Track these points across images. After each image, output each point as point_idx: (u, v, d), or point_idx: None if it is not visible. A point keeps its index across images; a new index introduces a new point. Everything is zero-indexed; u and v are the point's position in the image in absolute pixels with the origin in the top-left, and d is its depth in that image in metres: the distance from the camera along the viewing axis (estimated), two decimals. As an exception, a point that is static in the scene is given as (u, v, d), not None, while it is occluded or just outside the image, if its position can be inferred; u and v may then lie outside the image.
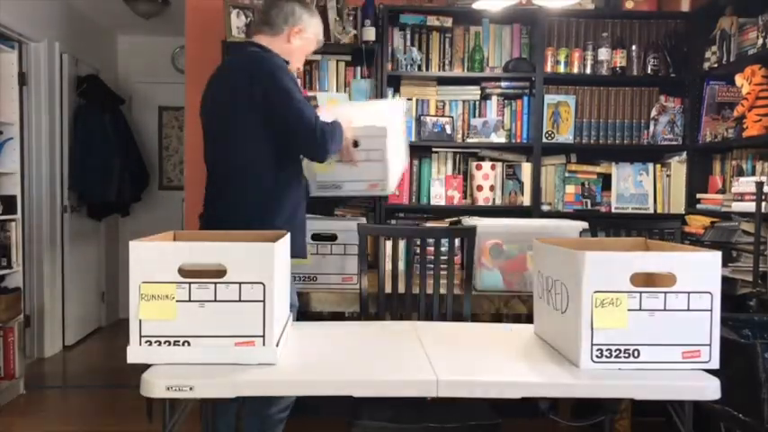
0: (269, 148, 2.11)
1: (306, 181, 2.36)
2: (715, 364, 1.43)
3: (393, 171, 2.37)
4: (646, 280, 1.57)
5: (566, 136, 3.42)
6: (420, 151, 3.47)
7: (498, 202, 3.42)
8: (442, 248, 2.40)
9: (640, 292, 1.42)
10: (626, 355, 1.43)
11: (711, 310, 1.43)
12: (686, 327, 1.43)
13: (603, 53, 3.39)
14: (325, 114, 2.19)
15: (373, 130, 2.36)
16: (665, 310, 1.43)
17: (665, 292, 1.42)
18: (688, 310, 1.43)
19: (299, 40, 2.25)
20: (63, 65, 4.47)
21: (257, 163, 2.12)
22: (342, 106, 2.45)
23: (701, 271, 1.43)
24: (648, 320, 1.43)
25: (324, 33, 3.38)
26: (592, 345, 1.42)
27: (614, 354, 1.43)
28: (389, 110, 2.47)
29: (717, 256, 1.43)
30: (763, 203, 2.58)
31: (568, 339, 1.50)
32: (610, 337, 1.42)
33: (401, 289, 2.36)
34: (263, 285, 1.41)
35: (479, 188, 3.39)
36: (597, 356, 1.43)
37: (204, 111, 2.27)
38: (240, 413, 2.22)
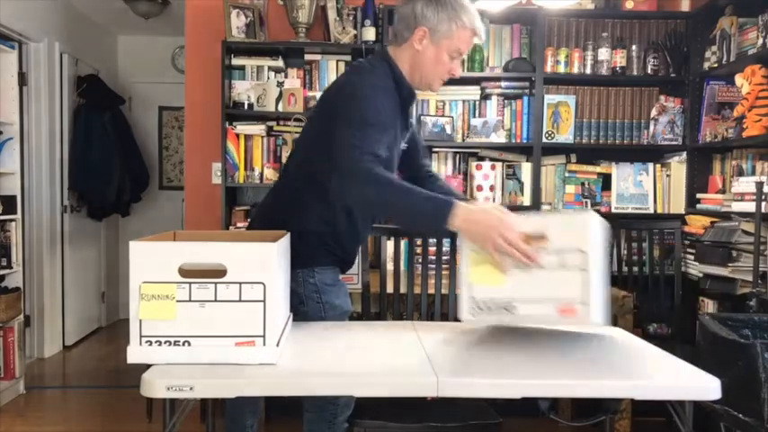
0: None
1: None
2: (597, 320, 1.52)
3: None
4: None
5: (566, 136, 3.42)
6: (420, 151, 3.47)
7: (498, 202, 3.42)
8: (444, 248, 2.40)
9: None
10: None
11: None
12: (562, 284, 1.53)
13: (603, 53, 3.39)
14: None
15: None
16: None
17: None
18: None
19: (429, 45, 1.80)
20: (63, 65, 4.47)
21: (302, 178, 1.88)
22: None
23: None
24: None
25: (324, 33, 3.43)
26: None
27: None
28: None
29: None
30: (763, 203, 2.58)
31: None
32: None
33: (402, 289, 2.36)
34: (263, 285, 1.41)
35: (479, 188, 3.39)
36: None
37: None
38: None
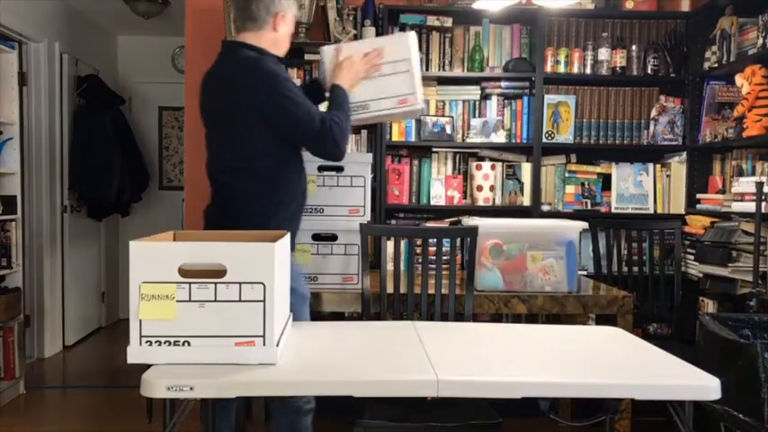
0: (273, 150, 2.12)
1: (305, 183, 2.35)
2: (422, 103, 2.13)
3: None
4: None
5: (566, 136, 3.42)
6: (420, 151, 3.47)
7: (498, 202, 3.42)
8: (444, 248, 2.40)
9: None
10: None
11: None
12: (398, 84, 2.26)
13: (603, 53, 3.38)
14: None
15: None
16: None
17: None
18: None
19: (284, 26, 2.23)
20: (63, 65, 4.47)
21: (262, 166, 2.12)
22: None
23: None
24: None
25: (324, 33, 3.43)
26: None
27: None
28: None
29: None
30: (763, 203, 2.58)
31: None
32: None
33: (402, 289, 2.36)
34: (263, 285, 1.41)
35: (479, 188, 3.38)
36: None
37: (205, 116, 2.26)
38: (241, 413, 2.22)
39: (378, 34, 3.33)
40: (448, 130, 3.40)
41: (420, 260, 2.78)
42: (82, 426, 3.18)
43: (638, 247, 3.19)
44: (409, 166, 3.43)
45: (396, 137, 3.38)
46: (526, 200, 3.40)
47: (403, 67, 2.24)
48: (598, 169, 3.46)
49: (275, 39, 2.22)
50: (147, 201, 5.56)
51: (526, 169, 3.41)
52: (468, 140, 3.42)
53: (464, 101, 3.47)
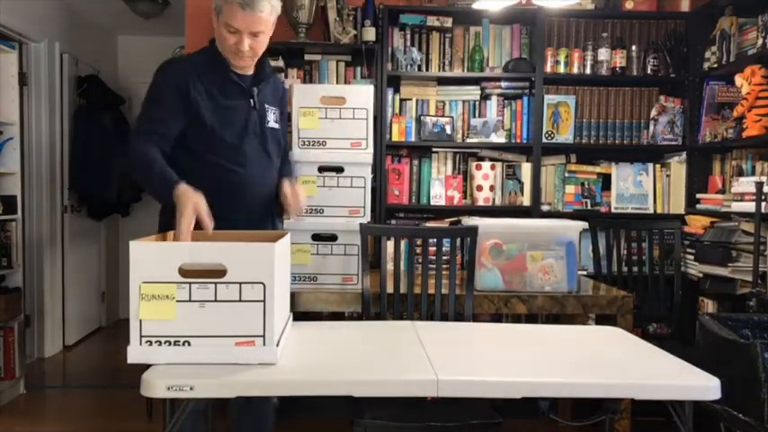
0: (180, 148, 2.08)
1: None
2: None
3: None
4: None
5: (566, 136, 3.42)
6: (420, 151, 3.47)
7: (498, 202, 3.42)
8: (444, 248, 2.40)
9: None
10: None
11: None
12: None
13: (603, 53, 3.39)
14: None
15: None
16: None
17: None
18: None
19: (217, 25, 2.17)
20: (63, 65, 4.47)
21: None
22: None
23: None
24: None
25: (324, 33, 3.43)
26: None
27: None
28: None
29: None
30: (763, 203, 2.58)
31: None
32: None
33: (402, 289, 2.36)
34: (263, 285, 1.41)
35: (479, 188, 3.39)
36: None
37: None
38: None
39: (378, 34, 3.34)
40: (448, 130, 3.40)
41: (420, 260, 2.78)
42: (82, 426, 3.18)
43: (637, 247, 3.19)
44: (409, 166, 3.43)
45: (396, 137, 3.38)
46: (526, 200, 3.40)
47: (361, 115, 2.50)
48: (598, 169, 3.46)
49: (217, 35, 2.18)
50: (147, 201, 5.55)
51: (526, 169, 3.41)
52: (468, 140, 3.42)
53: (464, 101, 3.47)
